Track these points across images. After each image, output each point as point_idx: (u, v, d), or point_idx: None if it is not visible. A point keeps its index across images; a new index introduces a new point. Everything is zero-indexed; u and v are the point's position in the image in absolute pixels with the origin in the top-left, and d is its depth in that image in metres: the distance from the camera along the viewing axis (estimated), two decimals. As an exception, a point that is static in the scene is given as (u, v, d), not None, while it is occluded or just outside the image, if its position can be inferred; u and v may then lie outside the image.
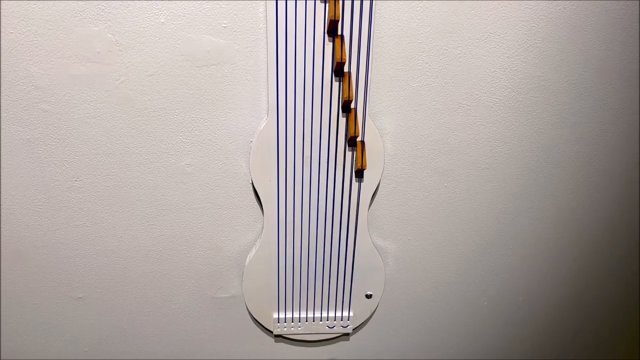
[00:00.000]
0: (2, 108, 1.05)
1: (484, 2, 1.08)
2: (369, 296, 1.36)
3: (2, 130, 1.07)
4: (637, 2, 1.14)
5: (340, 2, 1.03)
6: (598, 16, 1.13)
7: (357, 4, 1.04)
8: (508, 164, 1.27)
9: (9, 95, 1.04)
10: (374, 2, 1.04)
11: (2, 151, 1.09)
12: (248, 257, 1.28)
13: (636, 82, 1.22)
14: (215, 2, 1.01)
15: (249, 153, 1.16)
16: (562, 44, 1.15)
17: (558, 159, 1.28)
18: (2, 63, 1.01)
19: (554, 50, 1.15)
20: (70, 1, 0.97)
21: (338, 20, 1.04)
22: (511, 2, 1.09)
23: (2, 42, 0.99)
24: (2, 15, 0.97)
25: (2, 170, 1.11)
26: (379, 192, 1.26)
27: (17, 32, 0.99)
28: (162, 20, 1.02)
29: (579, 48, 1.16)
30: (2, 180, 1.12)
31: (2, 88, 1.03)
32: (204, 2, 1.01)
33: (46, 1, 0.97)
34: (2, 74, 1.02)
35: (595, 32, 1.15)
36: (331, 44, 1.07)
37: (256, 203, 1.23)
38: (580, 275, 1.47)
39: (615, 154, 1.30)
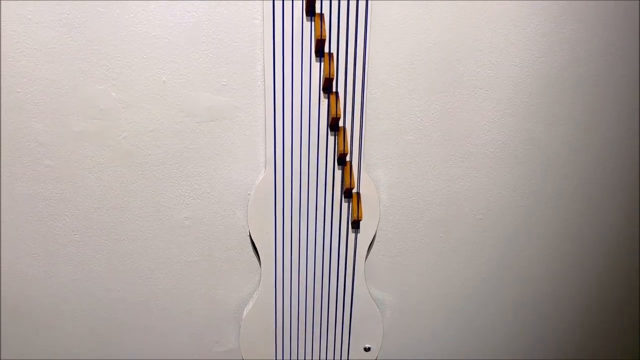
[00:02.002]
0: (6, 164, 1.07)
1: (473, 60, 1.14)
2: (367, 349, 1.34)
3: (2, 186, 1.09)
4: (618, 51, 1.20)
5: (335, 61, 1.08)
6: (580, 74, 1.19)
7: (350, 63, 1.09)
8: (502, 213, 1.29)
9: (13, 152, 1.06)
10: (366, 61, 1.09)
11: (2, 206, 1.11)
12: (245, 310, 1.28)
13: (626, 133, 1.26)
14: (216, 62, 1.06)
15: (247, 205, 1.18)
16: (548, 98, 1.19)
17: (550, 209, 1.31)
18: (8, 120, 1.04)
19: (541, 105, 1.20)
20: (77, 62, 1.02)
21: (333, 78, 1.08)
22: (499, 60, 1.14)
23: (9, 100, 1.02)
24: (10, 75, 1.01)
25: (2, 225, 1.12)
26: (375, 243, 1.27)
27: (23, 91, 1.02)
28: (164, 79, 1.06)
29: (564, 103, 1.20)
30: (2, 235, 1.13)
31: (6, 145, 1.05)
32: (205, 62, 1.05)
33: (54, 62, 1.01)
34: (7, 131, 1.05)
35: (579, 88, 1.20)
36: (326, 100, 1.11)
37: (254, 255, 1.24)
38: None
39: (606, 208, 1.33)
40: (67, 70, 1.02)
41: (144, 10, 1.01)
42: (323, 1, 1.05)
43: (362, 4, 1.06)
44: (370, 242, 1.24)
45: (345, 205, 1.19)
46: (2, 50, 0.99)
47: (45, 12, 0.98)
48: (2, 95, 1.02)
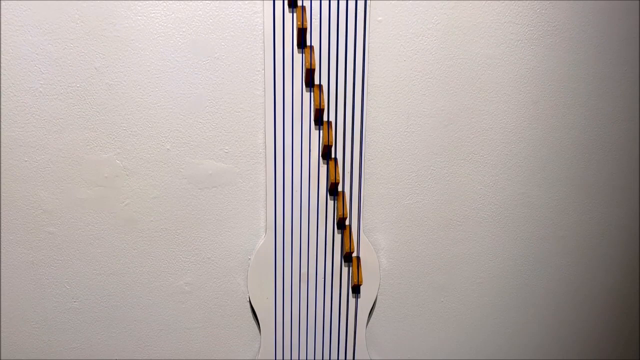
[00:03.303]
0: (7, 231, 1.08)
1: (467, 126, 1.18)
2: (370, 419, 1.30)
3: (2, 253, 1.10)
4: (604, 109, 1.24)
5: (334, 128, 1.12)
6: (572, 137, 1.23)
7: (348, 129, 1.13)
8: (501, 277, 1.29)
9: (16, 219, 1.08)
10: (364, 127, 1.13)
11: (2, 274, 1.11)
12: (244, 379, 1.25)
13: (622, 196, 1.29)
14: (218, 130, 1.09)
15: (247, 271, 1.18)
16: (542, 162, 1.23)
17: (548, 271, 1.31)
18: (14, 189, 1.06)
19: (535, 169, 1.23)
20: (84, 131, 1.05)
21: (332, 145, 1.12)
22: (492, 126, 1.18)
23: (16, 169, 1.05)
24: (19, 145, 1.04)
25: (1, 293, 1.12)
26: (376, 308, 1.26)
27: (31, 160, 1.05)
28: (168, 147, 1.09)
29: (559, 166, 1.24)
30: (1, 303, 1.13)
31: (9, 212, 1.07)
32: (208, 130, 1.09)
33: (62, 132, 1.04)
34: (12, 199, 1.07)
35: (573, 151, 1.23)
36: (325, 165, 1.14)
37: (253, 322, 1.22)
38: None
39: (599, 267, 1.33)
40: (74, 140, 1.06)
41: (150, 82, 1.05)
42: (322, 73, 1.10)
43: (358, 74, 1.11)
44: (371, 307, 1.23)
45: (345, 269, 1.19)
46: (12, 121, 1.03)
47: (56, 84, 1.02)
48: (10, 165, 1.05)
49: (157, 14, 1.03)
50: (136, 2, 1.02)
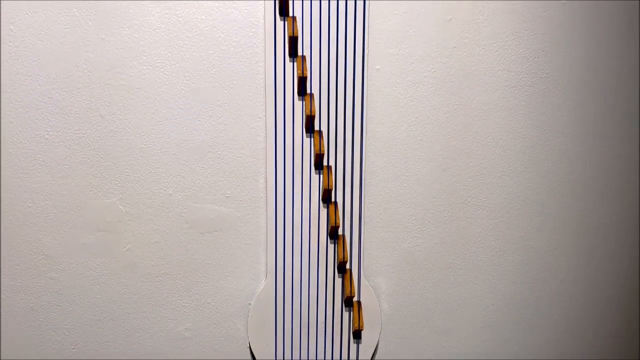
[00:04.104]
0: (7, 277, 1.09)
1: (465, 170, 1.20)
2: None
3: (3, 299, 1.10)
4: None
5: (333, 173, 1.14)
6: (570, 181, 1.25)
7: (348, 174, 1.15)
8: (503, 321, 1.28)
9: (18, 264, 1.08)
10: (363, 172, 1.15)
11: (2, 319, 1.10)
12: None
13: (623, 240, 1.29)
14: (220, 175, 1.11)
15: (247, 316, 1.17)
16: (540, 205, 1.24)
17: (550, 315, 1.30)
18: (16, 234, 1.07)
19: (533, 212, 1.24)
20: (88, 177, 1.07)
21: (331, 189, 1.13)
22: (489, 170, 1.20)
23: (19, 215, 1.06)
24: (24, 191, 1.06)
25: (1, 339, 1.11)
26: (377, 354, 1.25)
27: (35, 205, 1.07)
28: (170, 192, 1.11)
29: (557, 209, 1.25)
30: (1, 349, 1.12)
31: (10, 258, 1.08)
32: (209, 175, 1.11)
33: (66, 178, 1.06)
34: (14, 244, 1.07)
35: (571, 193, 1.25)
36: (326, 209, 1.15)
37: (253, 368, 1.21)
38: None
39: (602, 310, 1.32)
40: (78, 185, 1.07)
41: (153, 128, 1.08)
42: (321, 119, 1.13)
43: (357, 120, 1.14)
44: (372, 353, 1.22)
45: (346, 314, 1.18)
46: (17, 167, 1.05)
47: (62, 131, 1.05)
48: (13, 210, 1.06)
49: (162, 63, 1.06)
50: (142, 51, 1.05)
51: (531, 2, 1.17)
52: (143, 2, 1.04)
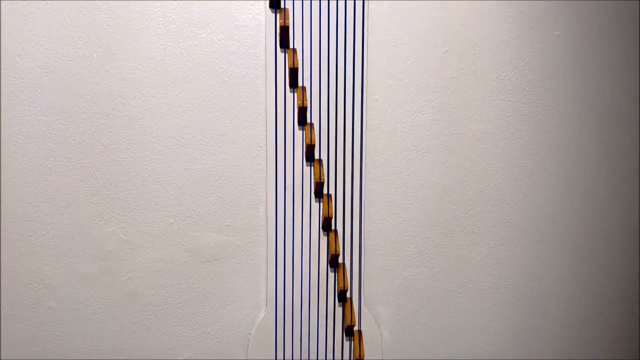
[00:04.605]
0: (7, 306, 1.08)
1: (464, 200, 1.20)
2: None
3: (2, 329, 1.09)
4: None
5: (333, 201, 1.15)
6: (569, 208, 1.25)
7: (348, 202, 1.15)
8: (504, 349, 1.27)
9: (18, 294, 1.08)
10: (363, 200, 1.16)
11: (2, 349, 1.10)
12: None
13: (619, 262, 1.29)
14: (221, 203, 1.12)
15: (248, 345, 1.17)
16: (539, 233, 1.24)
17: (551, 343, 1.29)
18: (17, 263, 1.07)
19: (532, 240, 1.24)
20: (90, 206, 1.08)
21: (331, 218, 1.14)
22: (488, 199, 1.21)
23: (20, 245, 1.07)
24: (25, 220, 1.06)
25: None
26: (379, 384, 1.24)
27: (36, 234, 1.07)
28: (171, 221, 1.11)
29: (556, 237, 1.25)
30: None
31: (10, 288, 1.08)
32: (211, 203, 1.12)
33: (69, 207, 1.07)
34: (15, 274, 1.07)
35: (570, 220, 1.26)
36: (326, 237, 1.16)
37: (253, 399, 1.19)
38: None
39: (603, 337, 1.32)
40: (80, 214, 1.08)
41: (155, 158, 1.09)
42: (321, 148, 1.14)
43: (357, 149, 1.15)
44: (373, 382, 1.21)
45: (347, 343, 1.18)
46: (20, 197, 1.05)
47: (65, 161, 1.06)
48: (14, 240, 1.06)
49: (164, 94, 1.08)
50: (145, 82, 1.07)
51: (526, 34, 1.19)
52: (147, 35, 1.07)
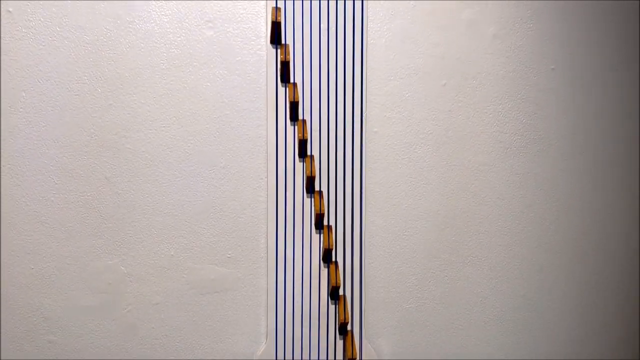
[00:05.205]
0: (6, 341, 1.07)
1: (464, 229, 1.21)
2: None
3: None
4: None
5: (334, 232, 1.15)
6: (569, 239, 1.26)
7: (348, 234, 1.16)
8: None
9: (17, 327, 1.08)
10: (363, 231, 1.16)
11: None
12: None
13: (620, 294, 1.29)
14: (222, 235, 1.12)
15: (248, 379, 1.16)
16: (540, 264, 1.25)
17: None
18: (17, 297, 1.07)
19: (533, 271, 1.24)
20: (91, 238, 1.08)
21: (332, 249, 1.14)
22: (488, 230, 1.22)
23: (20, 278, 1.07)
24: (26, 252, 1.06)
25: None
26: (380, 419, 1.22)
27: (37, 267, 1.07)
28: (172, 253, 1.11)
29: (557, 268, 1.25)
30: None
31: (9, 321, 1.07)
32: (211, 235, 1.12)
33: (70, 239, 1.07)
34: (15, 307, 1.07)
35: (571, 251, 1.26)
36: (326, 269, 1.16)
37: None
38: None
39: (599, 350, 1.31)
40: (81, 247, 1.08)
41: (157, 190, 1.10)
42: (322, 179, 1.15)
43: (357, 180, 1.16)
44: (375, 417, 1.19)
45: (348, 377, 1.16)
46: (22, 230, 1.06)
47: (68, 194, 1.07)
48: (15, 273, 1.06)
49: (167, 127, 1.10)
50: (148, 115, 1.09)
51: (522, 68, 1.22)
52: (151, 69, 1.09)
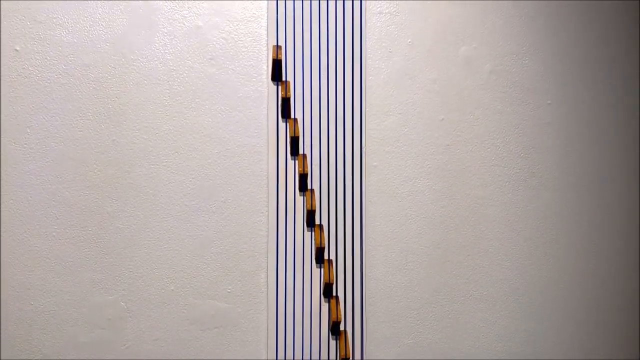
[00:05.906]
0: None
1: (465, 264, 1.21)
2: None
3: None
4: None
5: (334, 266, 1.15)
6: (569, 272, 1.25)
7: (349, 268, 1.16)
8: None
9: (14, 364, 1.07)
10: (364, 265, 1.16)
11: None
12: None
13: (621, 331, 1.28)
14: (222, 270, 1.12)
15: (247, 417, 1.14)
16: (542, 299, 1.24)
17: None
18: (16, 334, 1.06)
19: (535, 305, 1.24)
20: (90, 273, 1.08)
21: (332, 283, 1.14)
22: (489, 263, 1.22)
23: (19, 313, 1.06)
24: (27, 287, 1.06)
25: None
26: None
27: (36, 303, 1.07)
28: (172, 288, 1.11)
29: (559, 303, 1.25)
30: None
31: (8, 357, 1.06)
32: (212, 270, 1.12)
33: (69, 275, 1.07)
34: (13, 343, 1.06)
35: (571, 286, 1.25)
36: (327, 304, 1.15)
37: None
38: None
39: None
40: (81, 282, 1.08)
41: (158, 224, 1.11)
42: (322, 213, 1.16)
43: (357, 214, 1.17)
44: None
45: (349, 415, 1.14)
46: (22, 265, 1.06)
47: (69, 228, 1.07)
48: (15, 309, 1.06)
49: (168, 162, 1.11)
50: (150, 151, 1.10)
51: (519, 102, 1.24)
52: (154, 106, 1.11)
